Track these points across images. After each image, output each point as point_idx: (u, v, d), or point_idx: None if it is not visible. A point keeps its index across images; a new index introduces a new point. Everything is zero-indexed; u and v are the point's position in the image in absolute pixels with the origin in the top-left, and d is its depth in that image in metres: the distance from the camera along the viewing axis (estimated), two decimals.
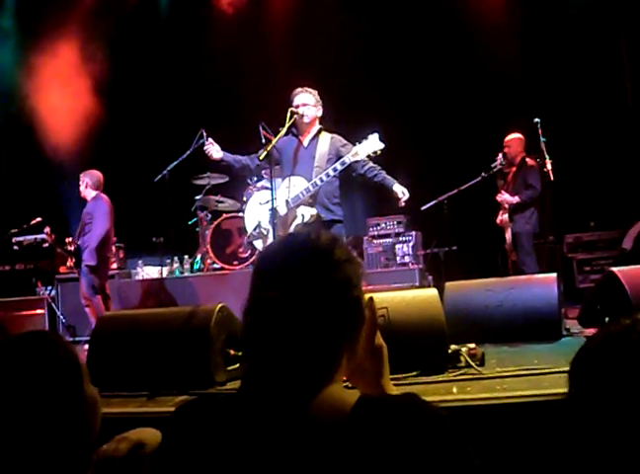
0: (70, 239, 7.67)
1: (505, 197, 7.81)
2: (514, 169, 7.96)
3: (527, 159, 7.81)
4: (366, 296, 1.49)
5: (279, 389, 1.36)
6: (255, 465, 1.30)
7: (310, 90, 5.75)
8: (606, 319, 4.31)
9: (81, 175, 7.86)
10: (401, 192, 5.65)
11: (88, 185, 7.80)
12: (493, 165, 7.82)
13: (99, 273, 7.64)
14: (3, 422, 1.54)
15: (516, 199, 7.76)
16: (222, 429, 1.36)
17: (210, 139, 5.89)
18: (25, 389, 1.56)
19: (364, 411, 1.31)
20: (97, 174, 7.85)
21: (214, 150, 5.81)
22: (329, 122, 5.94)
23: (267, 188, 7.17)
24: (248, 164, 5.89)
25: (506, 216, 7.84)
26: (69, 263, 7.67)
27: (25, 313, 8.71)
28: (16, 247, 9.42)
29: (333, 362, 1.40)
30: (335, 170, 5.51)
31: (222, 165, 5.98)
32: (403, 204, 5.80)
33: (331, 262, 1.43)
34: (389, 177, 5.72)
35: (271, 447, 1.30)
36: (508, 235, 7.87)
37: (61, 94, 9.96)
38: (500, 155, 7.84)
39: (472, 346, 3.65)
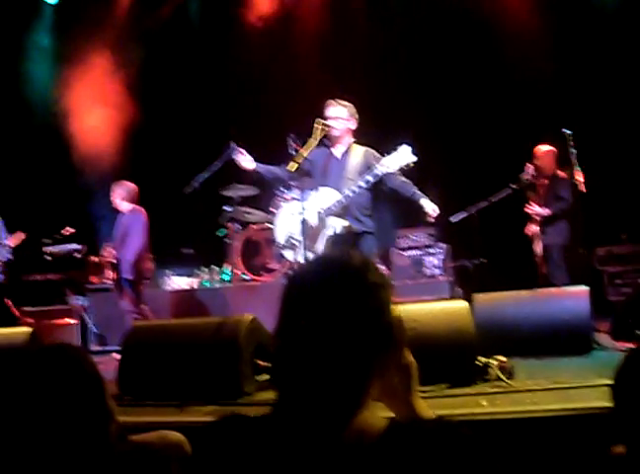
0: (110, 251, 7.69)
1: (536, 209, 7.76)
2: (545, 181, 7.90)
3: (559, 171, 7.76)
4: (396, 312, 1.47)
5: (310, 418, 1.35)
6: None
7: (344, 103, 5.73)
8: (638, 332, 4.27)
9: (113, 186, 7.86)
10: (431, 208, 5.62)
11: (123, 197, 7.82)
12: (523, 176, 7.79)
13: (139, 284, 7.75)
14: (28, 428, 1.57)
15: (547, 212, 7.70)
16: (253, 452, 1.36)
17: (243, 150, 5.91)
18: (52, 399, 1.59)
19: (393, 437, 1.31)
20: (131, 186, 7.84)
21: (246, 161, 5.83)
22: (360, 134, 5.94)
23: (297, 199, 7.20)
24: (281, 175, 5.88)
25: (536, 228, 7.80)
26: (111, 275, 7.65)
27: (56, 322, 8.79)
28: (48, 257, 9.52)
29: (363, 390, 1.38)
30: (367, 182, 5.49)
31: (255, 175, 6.00)
32: (432, 221, 5.78)
33: (364, 287, 1.40)
34: (420, 192, 5.69)
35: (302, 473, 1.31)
36: (538, 247, 7.83)
37: (93, 105, 10.08)
38: (529, 166, 7.80)
39: (502, 358, 3.63)
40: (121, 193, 7.82)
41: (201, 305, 8.32)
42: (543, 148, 7.90)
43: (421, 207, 5.65)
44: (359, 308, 1.37)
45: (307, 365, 1.36)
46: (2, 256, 7.69)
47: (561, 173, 7.71)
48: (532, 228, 7.83)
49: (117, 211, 7.97)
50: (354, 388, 1.37)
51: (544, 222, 7.74)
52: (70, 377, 1.63)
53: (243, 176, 6.10)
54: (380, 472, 1.26)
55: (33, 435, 1.57)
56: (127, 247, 7.67)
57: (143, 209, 7.81)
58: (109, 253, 7.72)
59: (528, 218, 7.85)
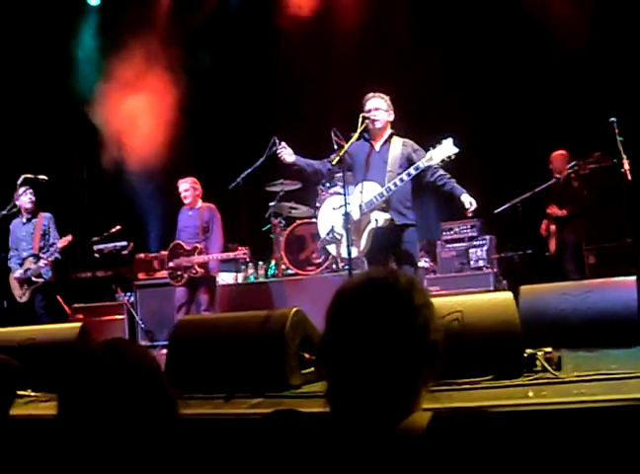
0: (200, 247, 7.79)
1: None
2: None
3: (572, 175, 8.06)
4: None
5: (362, 423, 1.42)
6: None
7: (382, 95, 5.75)
8: None
9: (190, 180, 8.06)
10: (469, 202, 5.58)
11: (199, 193, 8.06)
12: (569, 166, 7.76)
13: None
14: (100, 421, 1.59)
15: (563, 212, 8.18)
16: (308, 445, 1.44)
17: (284, 143, 5.93)
18: (118, 393, 1.61)
19: (437, 430, 1.37)
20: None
21: (287, 153, 5.83)
22: (400, 128, 5.93)
23: (339, 193, 7.21)
24: (320, 169, 5.91)
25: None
26: (198, 272, 7.73)
27: (105, 318, 8.95)
28: (97, 254, 9.69)
29: (411, 400, 1.45)
30: (409, 175, 5.50)
31: (295, 169, 6.02)
32: (470, 215, 5.75)
33: (410, 307, 1.46)
34: (458, 186, 5.66)
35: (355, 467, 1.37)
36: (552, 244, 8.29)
37: (137, 105, 10.21)
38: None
39: (548, 350, 3.60)
40: (199, 188, 8.07)
41: (248, 300, 8.39)
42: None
43: (459, 202, 5.63)
44: (405, 327, 1.44)
45: (358, 381, 1.43)
46: (52, 255, 7.91)
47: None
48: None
49: (173, 207, 8.14)
50: (402, 400, 1.44)
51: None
52: (134, 371, 1.66)
53: (288, 171, 6.12)
54: (425, 464, 1.32)
55: (105, 430, 1.59)
56: (213, 244, 7.90)
57: None
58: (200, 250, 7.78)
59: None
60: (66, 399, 1.62)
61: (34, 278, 7.91)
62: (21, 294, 7.99)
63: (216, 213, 8.02)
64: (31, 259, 7.96)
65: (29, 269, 7.93)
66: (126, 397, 1.59)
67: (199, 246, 7.77)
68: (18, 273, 8.04)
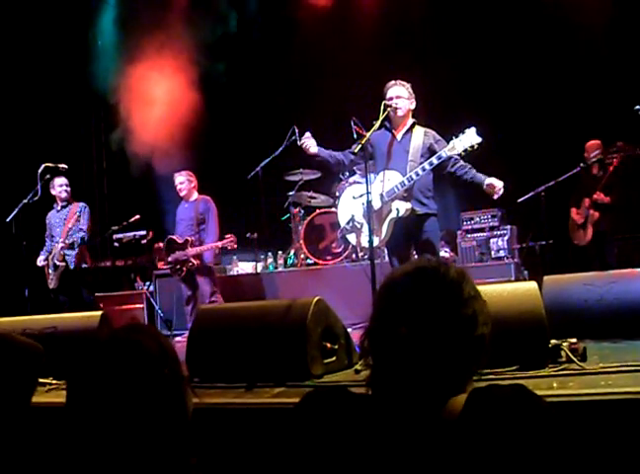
0: (191, 239, 7.87)
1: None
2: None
3: None
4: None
5: (406, 409, 1.43)
6: (384, 458, 1.38)
7: (403, 83, 5.69)
8: None
9: (185, 173, 8.14)
10: (497, 182, 5.46)
11: (195, 185, 8.11)
12: (592, 155, 7.67)
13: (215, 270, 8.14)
14: (115, 407, 1.56)
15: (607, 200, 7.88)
16: (357, 422, 1.44)
17: (308, 133, 5.87)
18: (134, 375, 1.58)
19: (476, 405, 1.38)
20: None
21: (311, 144, 5.77)
22: (421, 117, 5.87)
23: (359, 182, 7.18)
24: (342, 159, 5.85)
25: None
26: (194, 264, 7.79)
27: (125, 307, 8.99)
28: (116, 244, 9.73)
29: (456, 391, 1.45)
30: (431, 164, 5.44)
31: (317, 160, 5.98)
32: (497, 196, 5.62)
33: (460, 298, 1.47)
34: (480, 173, 5.59)
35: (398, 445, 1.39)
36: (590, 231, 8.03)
37: (157, 95, 10.21)
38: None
39: (573, 340, 3.55)
40: (194, 180, 8.13)
41: (267, 289, 8.40)
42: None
43: (484, 187, 5.51)
44: (454, 318, 1.44)
45: (404, 368, 1.44)
46: (77, 239, 7.94)
47: None
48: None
49: (179, 199, 8.17)
50: (446, 388, 1.45)
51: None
52: (142, 358, 1.63)
53: (307, 160, 6.07)
54: (465, 438, 1.33)
55: (116, 417, 1.56)
56: (208, 235, 7.96)
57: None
58: (191, 242, 7.85)
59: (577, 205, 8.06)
60: (74, 386, 1.60)
61: (57, 262, 7.94)
62: (50, 280, 8.07)
63: (212, 205, 8.08)
64: (59, 244, 8.04)
65: (56, 253, 8.00)
66: (134, 385, 1.57)
67: (189, 238, 7.92)
68: (39, 259, 8.15)
